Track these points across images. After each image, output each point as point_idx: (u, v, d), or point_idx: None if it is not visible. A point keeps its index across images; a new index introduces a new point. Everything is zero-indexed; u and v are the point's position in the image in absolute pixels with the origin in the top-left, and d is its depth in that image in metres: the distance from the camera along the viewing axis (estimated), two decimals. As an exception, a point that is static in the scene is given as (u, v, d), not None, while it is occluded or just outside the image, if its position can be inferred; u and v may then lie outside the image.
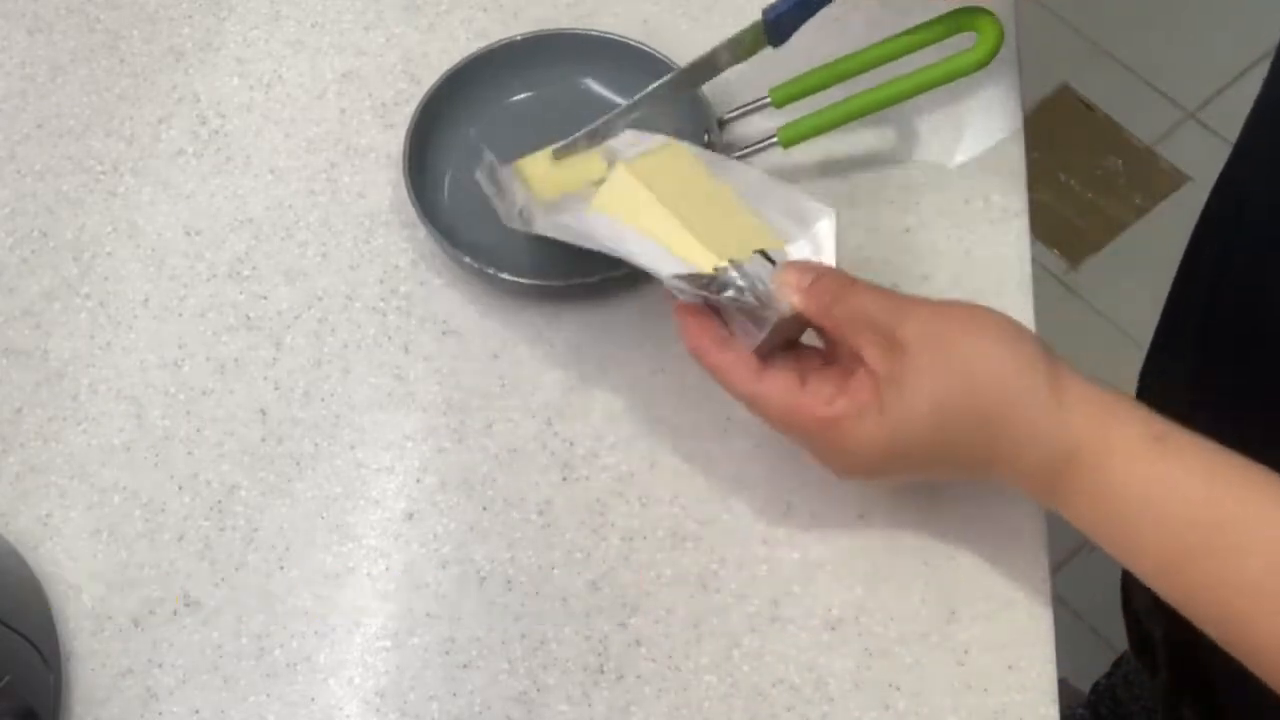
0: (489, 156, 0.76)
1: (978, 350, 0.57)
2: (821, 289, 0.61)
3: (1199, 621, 0.54)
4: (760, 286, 0.61)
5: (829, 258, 0.65)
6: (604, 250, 0.66)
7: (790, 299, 0.61)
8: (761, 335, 0.62)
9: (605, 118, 0.75)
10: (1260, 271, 0.74)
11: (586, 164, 0.77)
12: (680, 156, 0.71)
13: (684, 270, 0.63)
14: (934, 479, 0.65)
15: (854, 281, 0.61)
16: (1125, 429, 0.55)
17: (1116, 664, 1.22)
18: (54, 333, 0.77)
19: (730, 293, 0.62)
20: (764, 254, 0.64)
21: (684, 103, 0.81)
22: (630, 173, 0.68)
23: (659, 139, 0.73)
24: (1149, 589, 0.56)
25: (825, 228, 0.66)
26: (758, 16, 0.74)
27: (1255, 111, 0.76)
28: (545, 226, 0.70)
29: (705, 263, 0.64)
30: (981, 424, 0.56)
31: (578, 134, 0.75)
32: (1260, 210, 0.75)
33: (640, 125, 0.75)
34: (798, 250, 0.65)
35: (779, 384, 0.60)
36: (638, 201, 0.67)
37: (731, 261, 0.63)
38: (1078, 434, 0.55)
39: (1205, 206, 0.82)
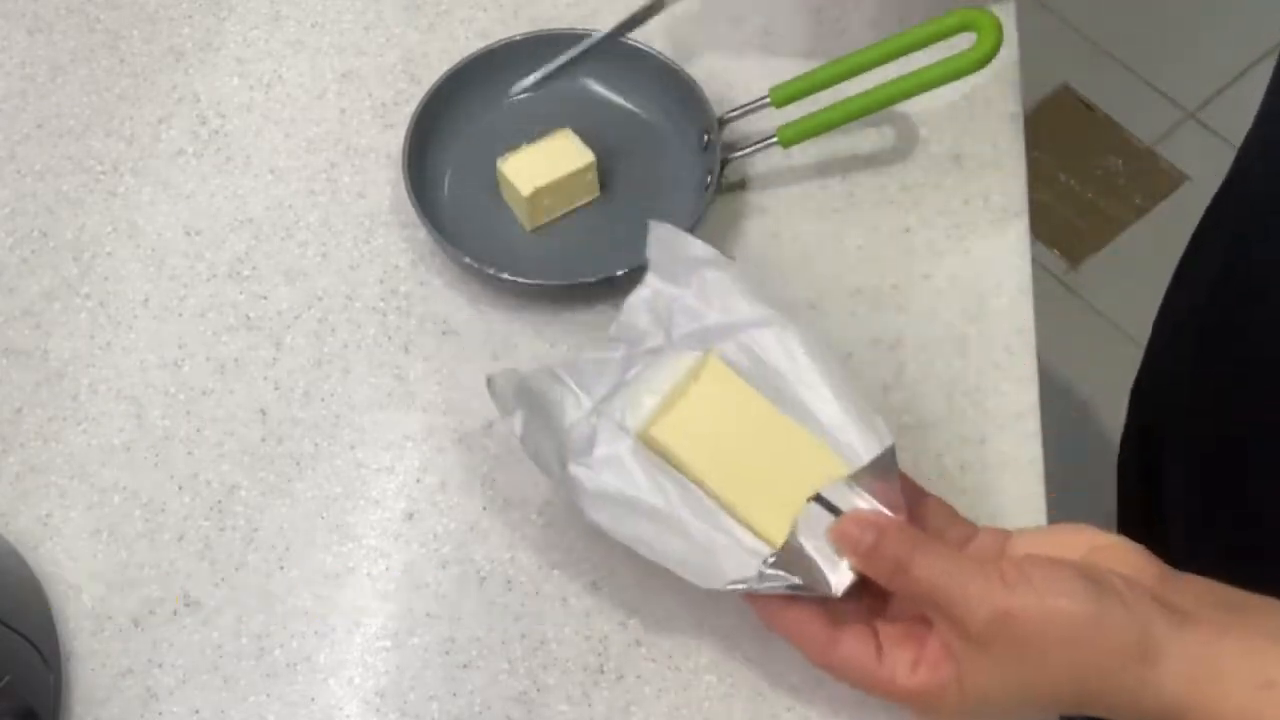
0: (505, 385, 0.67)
1: (1053, 657, 0.53)
2: (884, 556, 0.56)
3: None
4: (818, 573, 0.57)
5: (891, 489, 0.59)
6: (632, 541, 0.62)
7: (850, 560, 0.57)
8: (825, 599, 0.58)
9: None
10: (1264, 273, 0.74)
11: (565, 150, 0.77)
12: (721, 376, 0.65)
13: (732, 577, 0.59)
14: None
15: (917, 545, 0.56)
16: (1231, 684, 0.51)
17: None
18: (54, 333, 0.77)
19: (784, 586, 0.58)
20: (821, 500, 0.59)
21: (684, 103, 0.81)
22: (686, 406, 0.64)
23: (693, 355, 0.66)
24: None
25: (884, 446, 0.60)
26: (754, 18, 0.74)
27: (1261, 114, 0.76)
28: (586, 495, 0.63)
29: (764, 527, 0.60)
30: (1074, 701, 0.54)
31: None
32: (1264, 212, 0.75)
33: (642, 125, 0.74)
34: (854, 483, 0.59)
35: (855, 655, 0.57)
36: (694, 436, 0.63)
37: (785, 545, 0.58)
38: (1182, 700, 0.52)
39: (1207, 209, 0.82)
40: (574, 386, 0.67)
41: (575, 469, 0.63)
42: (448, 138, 0.81)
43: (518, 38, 0.83)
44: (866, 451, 0.61)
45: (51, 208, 0.82)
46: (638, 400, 0.65)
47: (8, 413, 0.74)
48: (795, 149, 0.79)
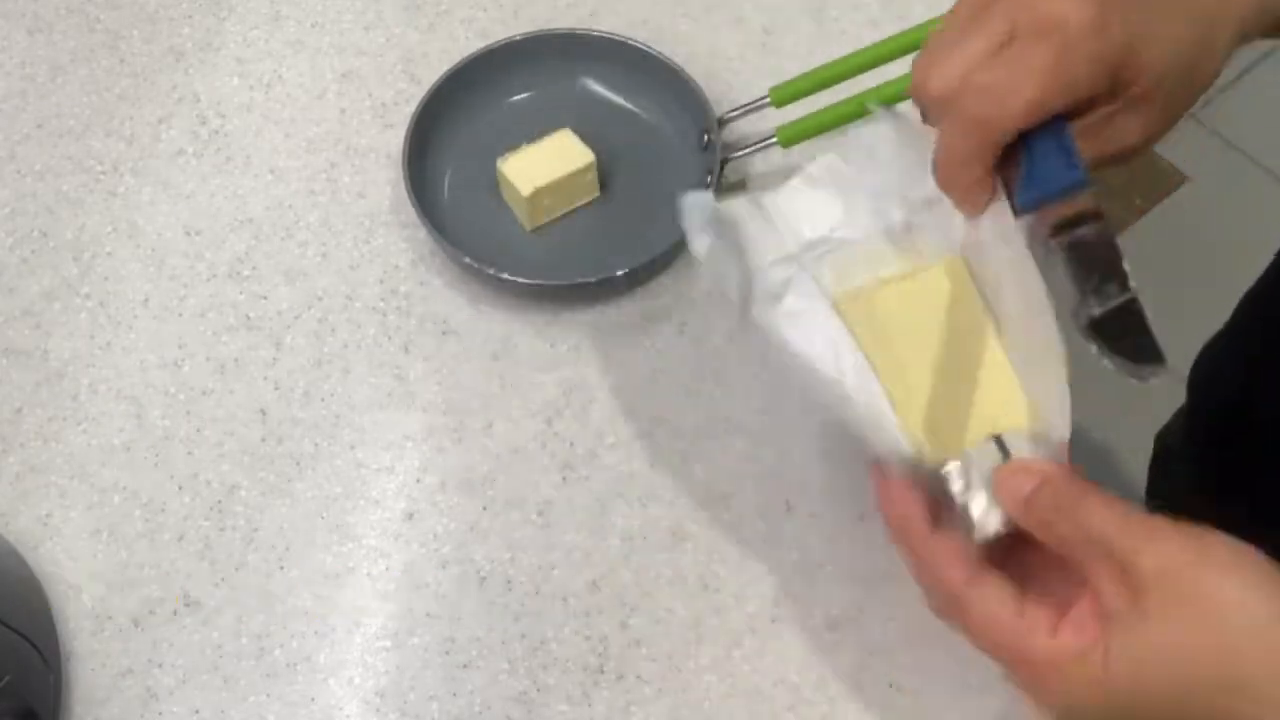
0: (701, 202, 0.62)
1: (1239, 600, 0.45)
2: (1044, 502, 0.50)
3: None
4: (979, 505, 0.52)
5: (1059, 441, 0.53)
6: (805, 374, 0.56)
7: (1006, 508, 0.51)
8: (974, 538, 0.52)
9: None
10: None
11: (566, 150, 0.77)
12: (957, 278, 0.58)
13: (902, 451, 0.54)
14: None
15: (1085, 493, 0.49)
16: None
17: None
18: (54, 333, 0.77)
19: (944, 491, 0.53)
20: (999, 442, 0.53)
21: (684, 103, 0.81)
22: (913, 282, 0.57)
23: (932, 245, 0.59)
24: None
25: (1061, 397, 0.54)
26: (755, 18, 0.73)
27: None
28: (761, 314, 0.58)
29: (931, 443, 0.55)
30: (1227, 690, 0.46)
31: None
32: None
33: (642, 125, 0.74)
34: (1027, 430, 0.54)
35: (994, 597, 0.50)
36: (888, 327, 0.56)
37: (963, 456, 0.53)
38: None
39: None
40: (780, 226, 0.61)
41: (759, 313, 0.58)
42: (448, 138, 0.81)
43: (518, 38, 0.83)
44: (1048, 423, 0.55)
45: (51, 208, 0.82)
46: (849, 268, 0.59)
47: (8, 413, 0.74)
48: (795, 149, 0.79)
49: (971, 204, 0.54)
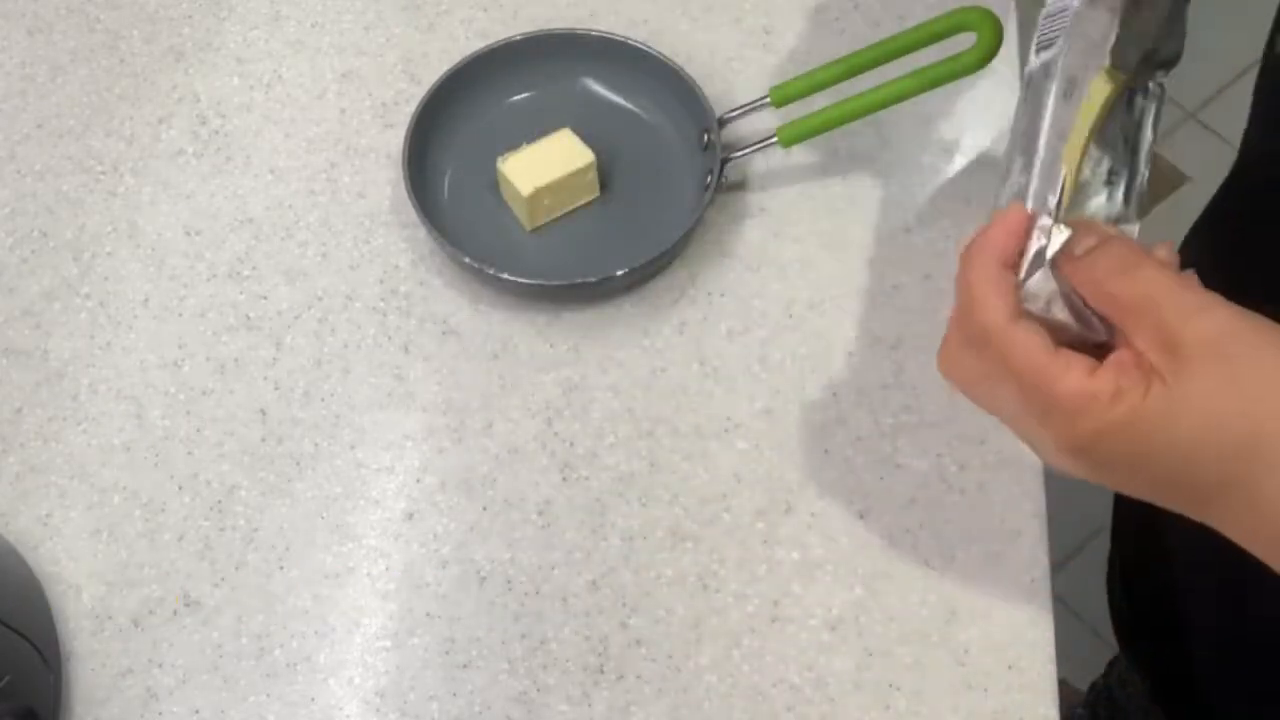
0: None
1: (1277, 372, 0.46)
2: (1102, 260, 0.50)
3: None
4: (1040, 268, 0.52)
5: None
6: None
7: (1064, 265, 0.51)
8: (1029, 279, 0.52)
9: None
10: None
11: (566, 150, 0.77)
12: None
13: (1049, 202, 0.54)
14: (1139, 495, 0.52)
15: (1144, 258, 0.49)
16: None
17: (1111, 664, 1.22)
18: (54, 333, 0.77)
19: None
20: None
21: (684, 103, 0.81)
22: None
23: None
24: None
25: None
26: (755, 18, 0.74)
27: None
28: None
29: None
30: (1248, 456, 0.46)
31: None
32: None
33: (642, 125, 0.74)
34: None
35: (1034, 337, 0.50)
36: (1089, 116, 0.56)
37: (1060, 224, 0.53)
38: None
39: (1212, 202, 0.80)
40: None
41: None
42: (448, 138, 0.81)
43: (518, 38, 0.83)
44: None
45: (51, 208, 0.82)
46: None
47: (8, 413, 0.74)
48: (795, 149, 0.79)
49: None
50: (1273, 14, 0.74)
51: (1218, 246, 0.82)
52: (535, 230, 0.79)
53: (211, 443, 0.73)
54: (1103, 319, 0.51)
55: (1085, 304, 0.52)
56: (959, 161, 0.81)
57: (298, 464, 0.72)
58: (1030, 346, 0.50)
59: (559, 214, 0.79)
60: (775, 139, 0.78)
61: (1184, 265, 0.53)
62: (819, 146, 0.80)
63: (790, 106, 0.78)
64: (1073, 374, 0.48)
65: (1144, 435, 0.47)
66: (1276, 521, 0.47)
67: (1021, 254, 0.53)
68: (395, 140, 0.81)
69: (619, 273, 0.74)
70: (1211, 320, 0.47)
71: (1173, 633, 0.85)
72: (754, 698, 0.64)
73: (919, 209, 0.79)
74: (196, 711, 0.65)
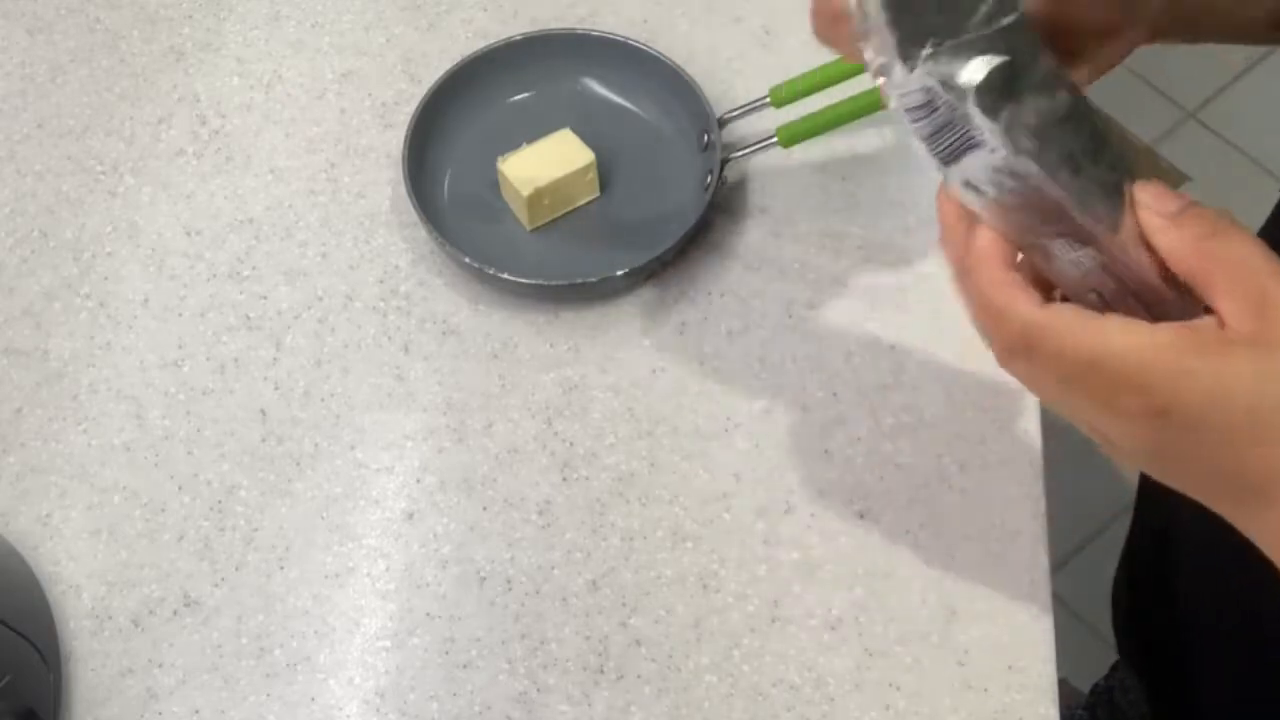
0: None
1: None
2: (1193, 222, 0.47)
3: None
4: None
5: None
6: None
7: (1148, 223, 0.47)
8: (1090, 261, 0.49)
9: None
10: None
11: (566, 150, 0.77)
12: None
13: None
14: (1196, 493, 0.49)
15: (1233, 223, 0.47)
16: None
17: (1114, 667, 1.22)
18: (54, 333, 0.77)
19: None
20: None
21: (684, 103, 0.81)
22: None
23: None
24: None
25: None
26: (755, 18, 0.73)
27: None
28: None
29: None
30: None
31: None
32: None
33: (642, 125, 0.74)
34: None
35: (1069, 309, 0.47)
36: None
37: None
38: None
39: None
40: None
41: None
42: (448, 138, 0.81)
43: (518, 38, 0.83)
44: None
45: (51, 208, 0.82)
46: None
47: (8, 413, 0.74)
48: (795, 149, 0.79)
49: None
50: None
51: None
52: (535, 230, 0.79)
53: (211, 443, 0.73)
54: (1138, 288, 0.49)
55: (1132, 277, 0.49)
56: (959, 161, 0.81)
57: (298, 464, 0.72)
58: (1074, 326, 0.46)
59: (559, 214, 0.79)
60: (775, 139, 0.78)
61: None
62: (819, 146, 0.80)
63: (790, 106, 0.78)
64: (1136, 331, 0.45)
65: (1226, 393, 0.44)
66: None
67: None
68: (395, 140, 0.81)
69: (619, 273, 0.74)
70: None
71: (1177, 651, 0.85)
72: (754, 698, 0.64)
73: (919, 209, 0.79)
74: (196, 711, 0.65)
